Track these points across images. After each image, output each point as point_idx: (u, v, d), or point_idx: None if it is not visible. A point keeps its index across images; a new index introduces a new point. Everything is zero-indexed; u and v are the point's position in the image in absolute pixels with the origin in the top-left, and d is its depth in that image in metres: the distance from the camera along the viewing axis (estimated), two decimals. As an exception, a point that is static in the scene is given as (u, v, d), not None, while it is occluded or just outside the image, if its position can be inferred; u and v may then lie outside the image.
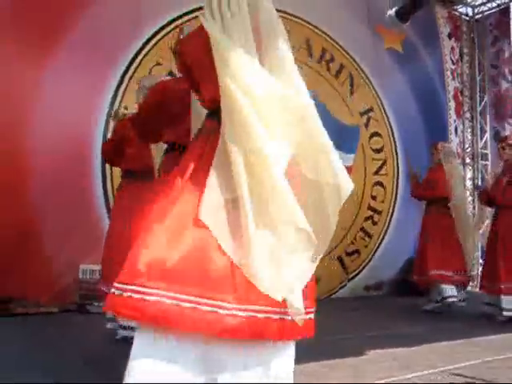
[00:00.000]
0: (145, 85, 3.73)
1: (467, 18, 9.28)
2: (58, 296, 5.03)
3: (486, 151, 9.06)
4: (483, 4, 9.15)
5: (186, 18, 6.03)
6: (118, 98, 5.54)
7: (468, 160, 8.98)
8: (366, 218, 7.35)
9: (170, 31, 5.91)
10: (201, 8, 6.36)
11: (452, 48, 8.89)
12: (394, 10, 1.85)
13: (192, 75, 2.07)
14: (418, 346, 3.86)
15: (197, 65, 2.02)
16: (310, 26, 7.00)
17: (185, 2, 5.98)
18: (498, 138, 7.56)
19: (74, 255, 5.08)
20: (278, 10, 2.39)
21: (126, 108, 5.17)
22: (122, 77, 5.61)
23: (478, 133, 9.11)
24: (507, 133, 8.52)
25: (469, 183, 8.74)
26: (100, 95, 5.48)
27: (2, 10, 5.00)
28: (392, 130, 7.76)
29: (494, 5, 9.05)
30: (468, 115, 9.13)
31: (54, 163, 5.02)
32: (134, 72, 5.63)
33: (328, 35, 7.19)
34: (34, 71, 5.11)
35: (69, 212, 5.03)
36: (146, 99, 3.17)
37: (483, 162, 9.02)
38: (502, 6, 8.93)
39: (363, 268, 7.21)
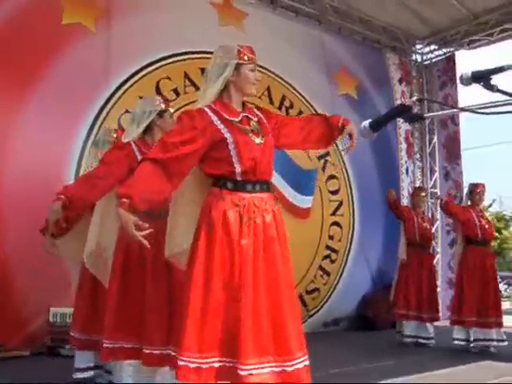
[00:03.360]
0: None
1: (416, 64, 9.87)
2: (29, 339, 5.08)
3: (435, 190, 9.53)
4: (431, 52, 9.79)
5: (151, 67, 6.32)
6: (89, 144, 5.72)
7: (419, 198, 9.42)
8: (324, 257, 7.64)
9: (137, 81, 6.19)
10: (164, 58, 6.57)
11: (403, 92, 9.42)
12: (368, 121, 2.13)
13: None
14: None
15: None
16: (270, 74, 7.33)
17: (149, 53, 6.28)
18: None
19: (45, 298, 5.10)
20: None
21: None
22: (92, 124, 5.82)
23: (428, 173, 9.63)
24: (456, 173, 9.10)
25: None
26: (70, 143, 5.67)
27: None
28: (347, 172, 8.13)
29: (441, 52, 9.68)
30: (418, 156, 9.66)
31: (24, 205, 5.11)
32: (104, 120, 5.84)
33: (287, 82, 7.55)
34: (5, 117, 5.29)
35: (39, 254, 5.09)
36: None
37: (433, 201, 9.49)
38: (448, 54, 9.55)
39: (323, 305, 7.49)
